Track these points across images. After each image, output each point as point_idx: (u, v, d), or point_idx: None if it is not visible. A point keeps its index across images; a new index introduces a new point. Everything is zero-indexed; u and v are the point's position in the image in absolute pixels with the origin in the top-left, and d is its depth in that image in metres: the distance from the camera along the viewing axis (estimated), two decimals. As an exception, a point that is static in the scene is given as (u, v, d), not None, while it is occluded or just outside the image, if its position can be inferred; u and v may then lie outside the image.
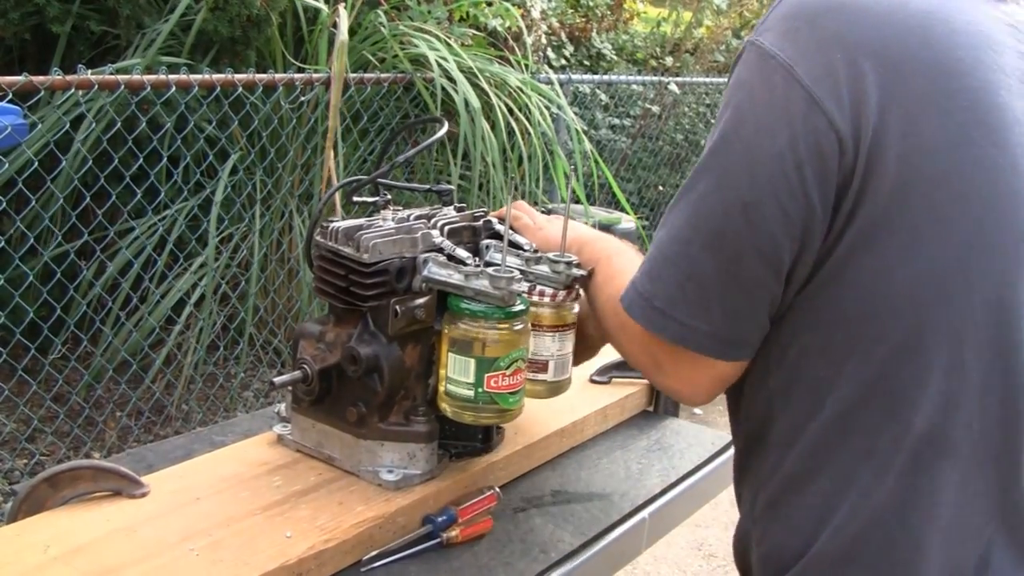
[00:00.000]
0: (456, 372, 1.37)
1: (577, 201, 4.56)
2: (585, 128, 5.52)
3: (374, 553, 1.32)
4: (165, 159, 3.69)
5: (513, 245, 1.52)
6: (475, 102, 4.00)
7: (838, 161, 0.95)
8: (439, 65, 4.01)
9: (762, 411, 1.10)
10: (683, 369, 1.11)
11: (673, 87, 6.34)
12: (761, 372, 1.09)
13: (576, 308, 1.54)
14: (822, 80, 0.95)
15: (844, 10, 0.99)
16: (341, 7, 3.86)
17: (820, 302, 1.01)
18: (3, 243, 3.19)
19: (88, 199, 3.44)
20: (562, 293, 1.49)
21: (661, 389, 1.19)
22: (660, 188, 6.64)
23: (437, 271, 1.41)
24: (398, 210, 1.52)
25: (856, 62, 0.95)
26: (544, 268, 1.49)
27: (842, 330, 1.00)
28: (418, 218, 1.51)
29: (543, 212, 4.59)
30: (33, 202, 3.27)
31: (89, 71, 3.15)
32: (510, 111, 4.24)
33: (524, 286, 1.44)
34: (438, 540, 1.37)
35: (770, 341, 1.07)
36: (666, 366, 1.13)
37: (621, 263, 1.33)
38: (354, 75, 3.98)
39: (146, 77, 3.28)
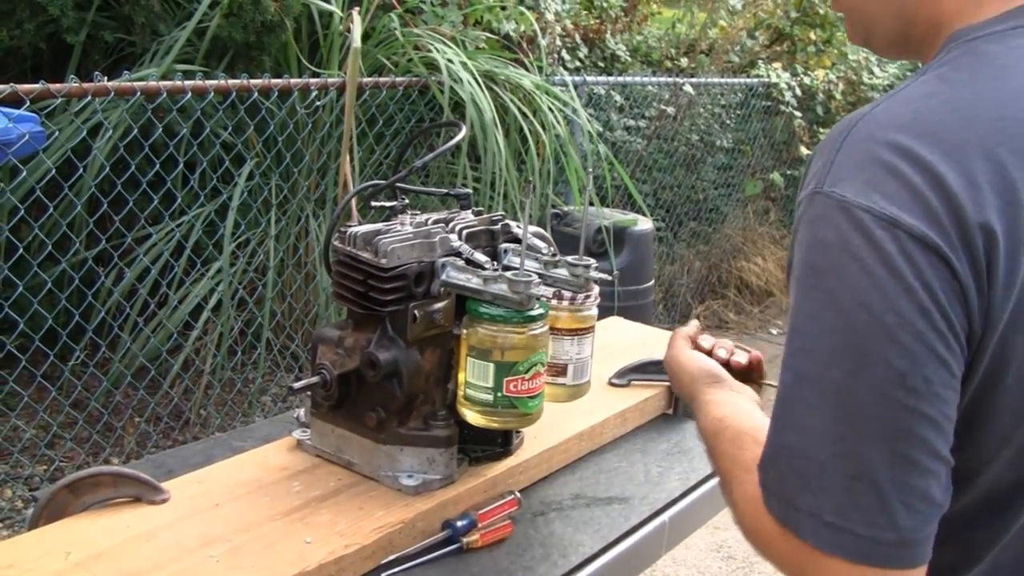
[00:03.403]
0: (475, 376, 1.37)
1: (591, 204, 4.56)
2: (600, 130, 5.52)
3: (393, 558, 1.32)
4: (181, 165, 3.70)
5: (531, 248, 1.52)
6: (489, 105, 4.00)
7: (969, 296, 0.89)
8: (453, 69, 4.01)
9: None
10: None
11: (688, 88, 6.32)
12: None
13: (595, 312, 1.54)
14: (932, 222, 0.88)
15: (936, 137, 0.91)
16: (355, 11, 3.86)
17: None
18: (22, 250, 3.20)
19: (106, 206, 3.45)
20: (580, 296, 1.49)
21: None
22: (676, 189, 6.63)
23: (455, 275, 1.41)
24: (416, 214, 1.52)
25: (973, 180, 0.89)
26: (563, 272, 1.49)
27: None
28: (436, 222, 1.50)
29: (557, 215, 4.54)
30: (51, 210, 3.28)
31: (106, 79, 3.16)
32: (523, 115, 4.24)
33: (547, 291, 1.44)
34: (458, 545, 1.37)
35: None
36: None
37: (740, 416, 1.17)
38: (369, 79, 3.98)
39: (162, 83, 3.29)
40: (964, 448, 0.92)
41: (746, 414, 1.18)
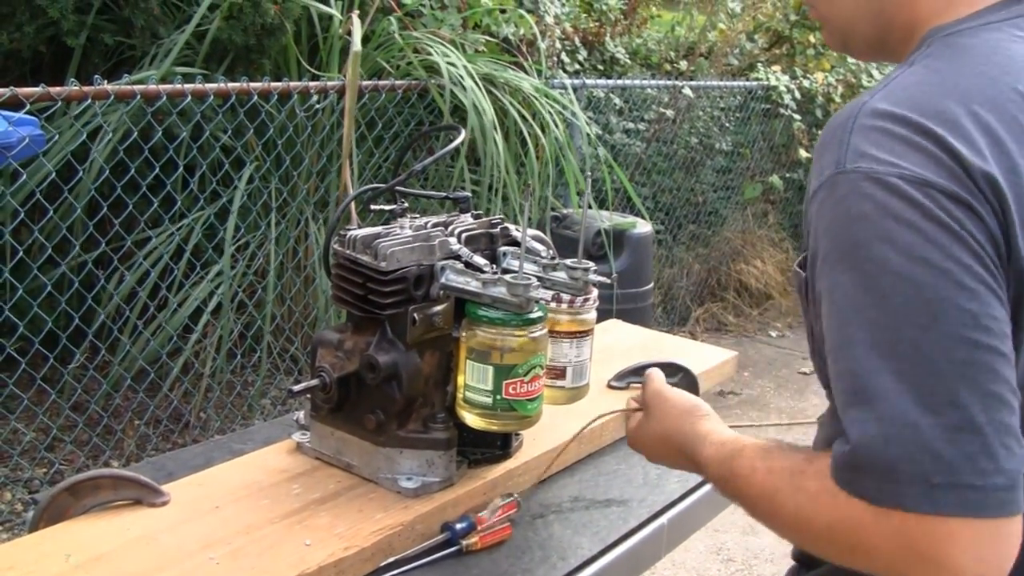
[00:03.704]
0: (474, 379, 1.37)
1: (589, 207, 4.56)
2: (599, 133, 5.52)
3: (392, 560, 1.33)
4: (181, 168, 3.70)
5: (530, 251, 1.52)
6: (488, 109, 4.01)
7: (999, 244, 0.94)
8: (452, 71, 4.02)
9: None
10: (974, 546, 0.89)
11: (687, 91, 6.33)
12: None
13: (593, 315, 1.54)
14: (956, 181, 0.94)
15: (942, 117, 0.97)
16: (355, 15, 3.87)
17: None
18: (21, 253, 3.21)
19: (105, 209, 3.45)
20: (579, 299, 1.49)
21: None
22: (675, 192, 6.63)
23: (455, 278, 1.41)
24: (415, 217, 1.52)
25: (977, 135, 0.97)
26: (561, 275, 1.49)
27: None
28: (435, 225, 1.51)
29: (556, 218, 4.54)
30: (51, 213, 3.29)
31: (105, 82, 3.16)
32: (523, 118, 4.24)
33: (546, 293, 1.45)
34: (457, 547, 1.37)
35: None
36: (948, 551, 0.89)
37: (748, 437, 1.16)
38: (368, 82, 3.99)
39: (162, 87, 3.29)
40: None
41: (750, 436, 1.17)
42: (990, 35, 1.06)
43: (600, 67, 6.56)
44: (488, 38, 4.69)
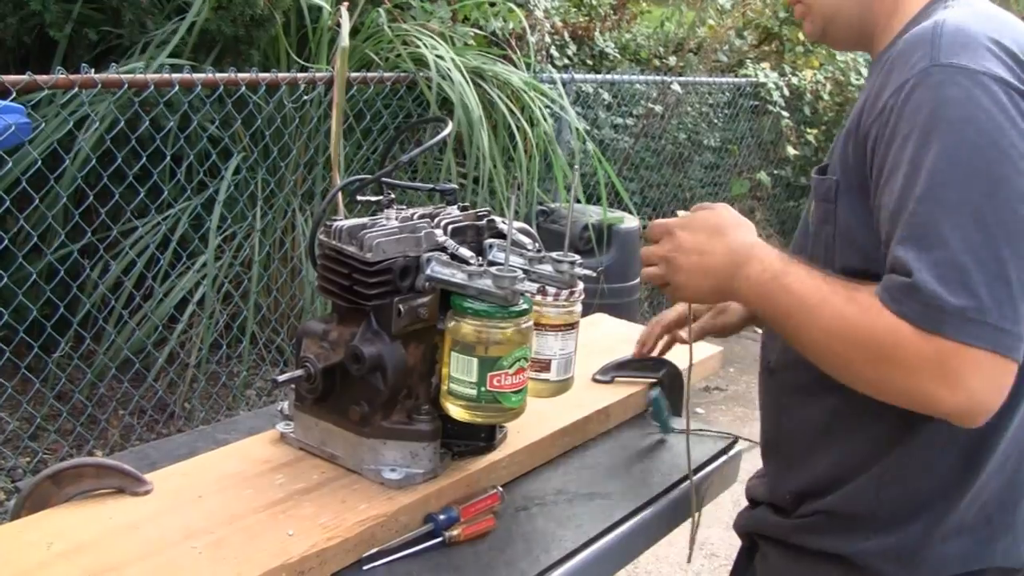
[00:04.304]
0: (459, 371, 1.38)
1: (578, 201, 4.57)
2: (588, 127, 5.52)
3: (376, 551, 1.33)
4: (168, 158, 3.69)
5: (516, 244, 1.52)
6: (476, 102, 4.00)
7: None
8: (441, 64, 4.01)
9: None
10: (990, 376, 1.12)
11: (676, 87, 6.34)
12: None
13: (579, 308, 1.54)
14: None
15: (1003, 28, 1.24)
16: (344, 6, 3.86)
17: None
18: (7, 242, 3.19)
19: (91, 198, 3.44)
20: (565, 292, 1.50)
21: (946, 410, 1.14)
22: (663, 187, 6.64)
23: (440, 270, 1.42)
24: (401, 209, 1.52)
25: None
26: (547, 267, 1.50)
27: None
28: (422, 217, 1.51)
29: (543, 211, 4.53)
30: (37, 201, 3.27)
31: (93, 71, 3.15)
32: (511, 111, 4.24)
33: (532, 286, 1.45)
34: (440, 539, 1.37)
35: None
36: (970, 374, 1.11)
37: (806, 280, 1.27)
38: (357, 74, 3.98)
39: (149, 76, 3.28)
40: None
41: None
42: (988, 5, 1.32)
43: (589, 62, 6.56)
44: (477, 31, 4.69)
